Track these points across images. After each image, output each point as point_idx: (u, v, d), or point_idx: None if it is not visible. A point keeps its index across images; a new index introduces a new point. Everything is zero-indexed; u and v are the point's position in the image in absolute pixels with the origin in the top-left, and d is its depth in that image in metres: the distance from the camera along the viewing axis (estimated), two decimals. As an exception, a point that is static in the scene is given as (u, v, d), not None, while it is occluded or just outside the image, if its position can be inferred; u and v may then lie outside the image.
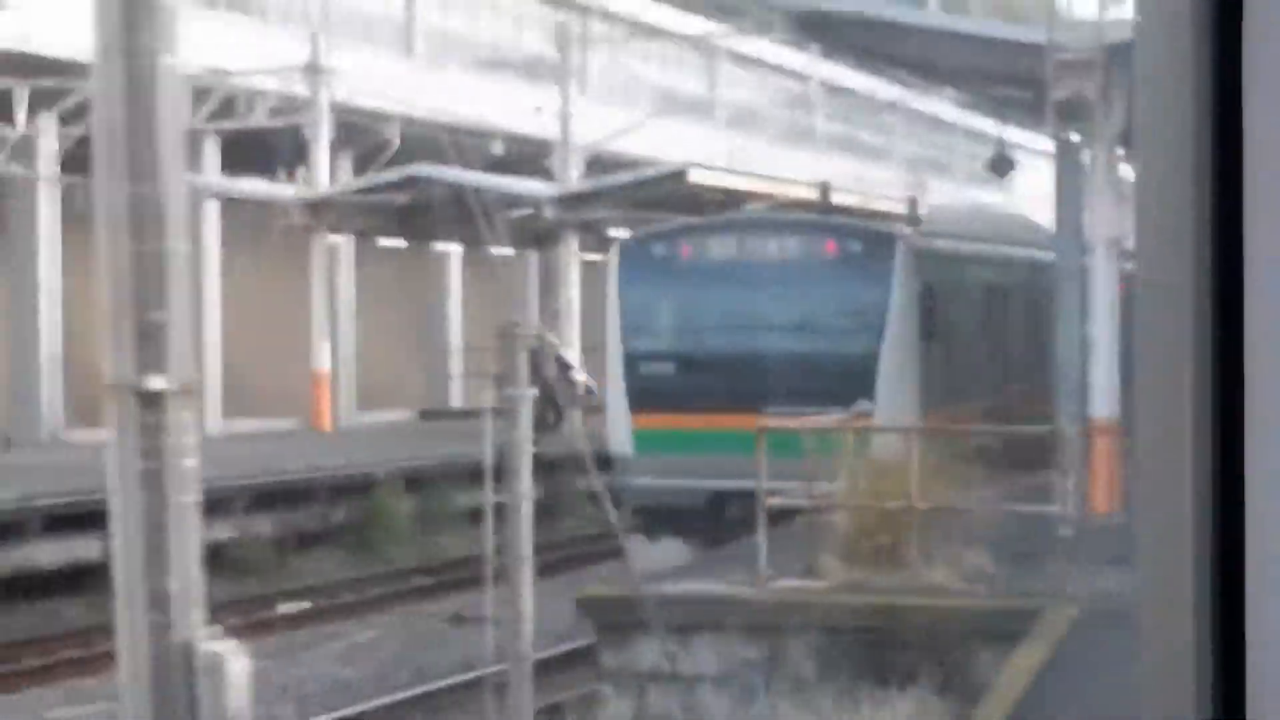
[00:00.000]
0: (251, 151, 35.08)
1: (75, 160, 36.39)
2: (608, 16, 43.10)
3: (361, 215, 32.93)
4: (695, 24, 48.51)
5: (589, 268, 36.70)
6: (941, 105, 64.53)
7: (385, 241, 36.04)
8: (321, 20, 34.94)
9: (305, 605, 21.73)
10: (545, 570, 18.15)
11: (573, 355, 13.37)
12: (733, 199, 28.81)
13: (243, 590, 21.85)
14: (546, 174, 34.03)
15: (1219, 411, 2.08)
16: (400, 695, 16.95)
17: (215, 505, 21.79)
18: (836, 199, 24.38)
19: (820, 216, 21.61)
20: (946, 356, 21.07)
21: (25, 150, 37.53)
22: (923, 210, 23.90)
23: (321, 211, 32.74)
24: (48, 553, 21.81)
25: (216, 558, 19.77)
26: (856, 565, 14.57)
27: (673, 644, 14.19)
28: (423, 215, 31.74)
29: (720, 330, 20.65)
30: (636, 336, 20.88)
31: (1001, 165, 22.65)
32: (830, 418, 17.04)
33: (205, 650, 9.43)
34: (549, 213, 31.35)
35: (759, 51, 51.39)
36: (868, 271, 20.19)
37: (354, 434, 35.04)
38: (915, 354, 20.26)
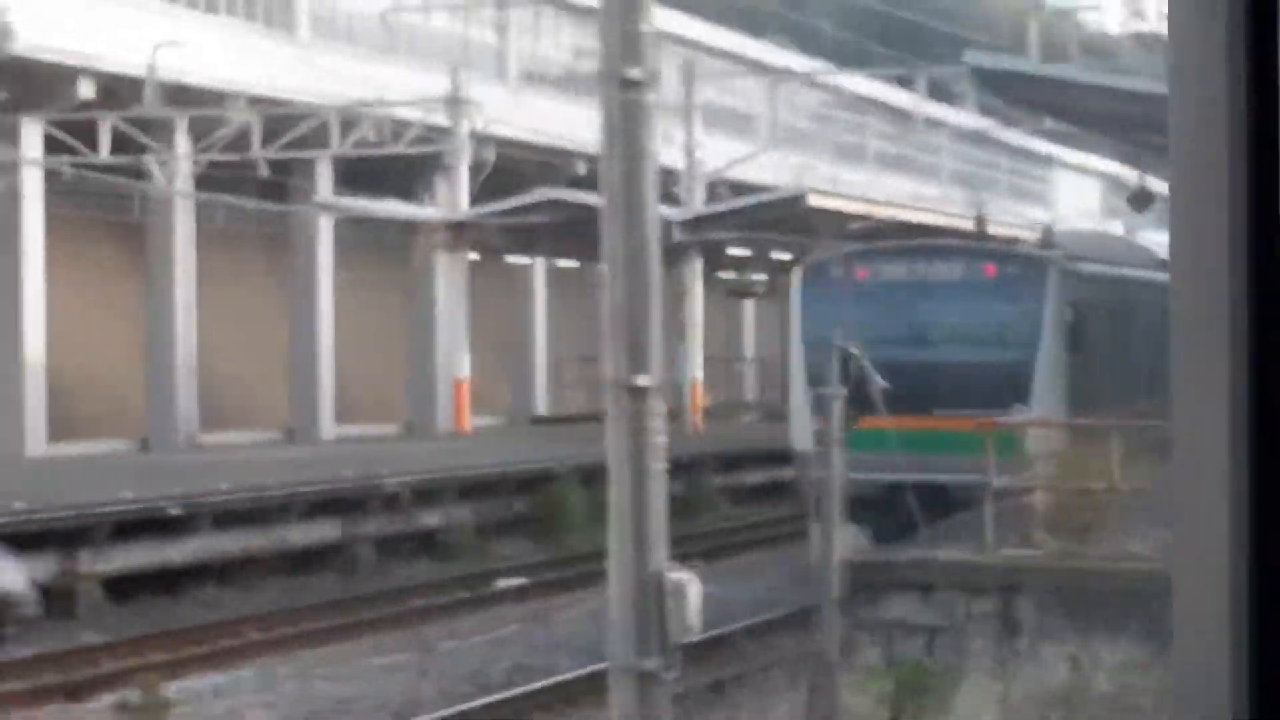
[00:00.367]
0: (393, 176, 38.52)
1: (205, 182, 39.90)
2: (725, 54, 46.93)
3: (497, 235, 36.32)
4: (802, 63, 52.73)
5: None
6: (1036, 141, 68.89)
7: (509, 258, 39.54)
8: (461, 56, 38.40)
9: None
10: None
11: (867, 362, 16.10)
12: (844, 221, 32.29)
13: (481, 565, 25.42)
14: (672, 198, 37.50)
15: (1256, 412, 2.09)
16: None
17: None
18: (955, 224, 27.87)
19: (979, 243, 25.04)
20: (1087, 367, 24.43)
21: (166, 175, 40.91)
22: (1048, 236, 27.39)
23: (461, 231, 36.11)
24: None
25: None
26: (1065, 537, 17.96)
27: (917, 600, 17.58)
28: (556, 235, 35.17)
29: (892, 343, 23.95)
30: (816, 348, 24.15)
31: (1141, 200, 25.84)
32: (1039, 418, 20.48)
33: (672, 577, 12.87)
34: (675, 234, 34.73)
35: (857, 85, 55.50)
36: (1024, 292, 23.54)
37: (486, 435, 38.44)
38: (1064, 364, 23.62)
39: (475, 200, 37.71)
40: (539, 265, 48.56)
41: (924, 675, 15.95)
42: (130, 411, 43.22)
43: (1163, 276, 22.14)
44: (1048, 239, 26.17)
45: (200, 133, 39.05)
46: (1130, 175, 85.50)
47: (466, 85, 36.79)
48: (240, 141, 37.34)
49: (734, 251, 36.51)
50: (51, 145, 38.89)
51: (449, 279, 37.35)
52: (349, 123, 36.01)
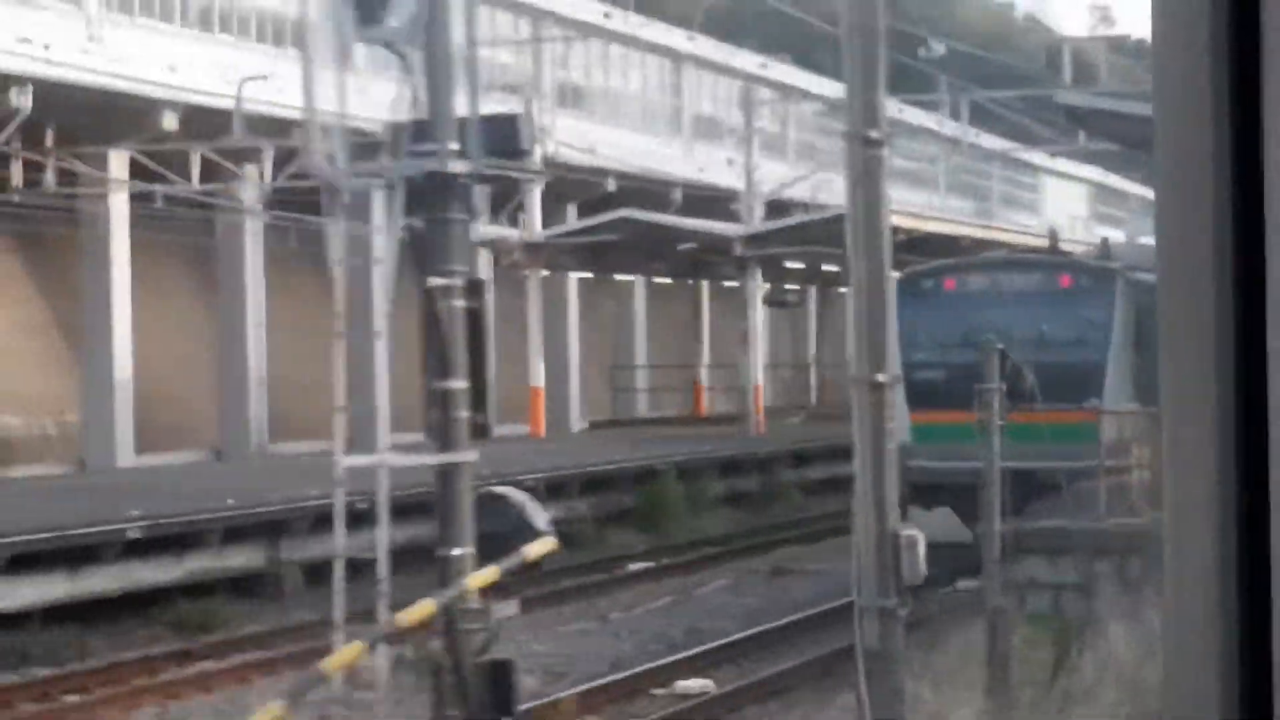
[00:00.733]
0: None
1: (279, 207, 43.25)
2: (781, 87, 50.65)
3: (574, 253, 39.81)
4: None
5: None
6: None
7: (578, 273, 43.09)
8: (535, 86, 41.88)
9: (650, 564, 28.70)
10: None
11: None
12: (898, 236, 35.91)
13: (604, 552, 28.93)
14: (733, 216, 41.06)
15: (1244, 410, 2.13)
16: (805, 613, 23.92)
17: (553, 489, 28.89)
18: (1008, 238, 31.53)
19: (1053, 255, 28.75)
20: (1148, 364, 28.08)
21: (236, 199, 44.21)
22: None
23: (539, 250, 39.58)
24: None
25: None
26: (1158, 508, 21.65)
27: (1044, 562, 21.20)
28: (628, 252, 38.65)
29: (977, 346, 27.53)
30: (912, 350, 27.75)
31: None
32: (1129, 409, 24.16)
33: (905, 533, 16.45)
34: (737, 249, 38.29)
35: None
36: (1096, 299, 27.11)
37: (562, 438, 41.90)
38: (1131, 363, 27.20)
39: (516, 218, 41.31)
40: (572, 279, 52.28)
41: (1072, 622, 19.53)
42: (202, 424, 46.48)
43: None
44: (1106, 251, 29.86)
45: (280, 160, 42.33)
46: (1116, 182, 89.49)
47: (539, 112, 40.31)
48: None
49: (790, 265, 40.18)
50: (135, 172, 42.14)
51: (525, 295, 40.90)
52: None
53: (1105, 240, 30.79)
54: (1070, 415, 24.10)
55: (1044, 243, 29.63)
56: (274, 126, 42.08)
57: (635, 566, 28.35)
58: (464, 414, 12.57)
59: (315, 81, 12.62)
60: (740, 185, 40.98)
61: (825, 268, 40.90)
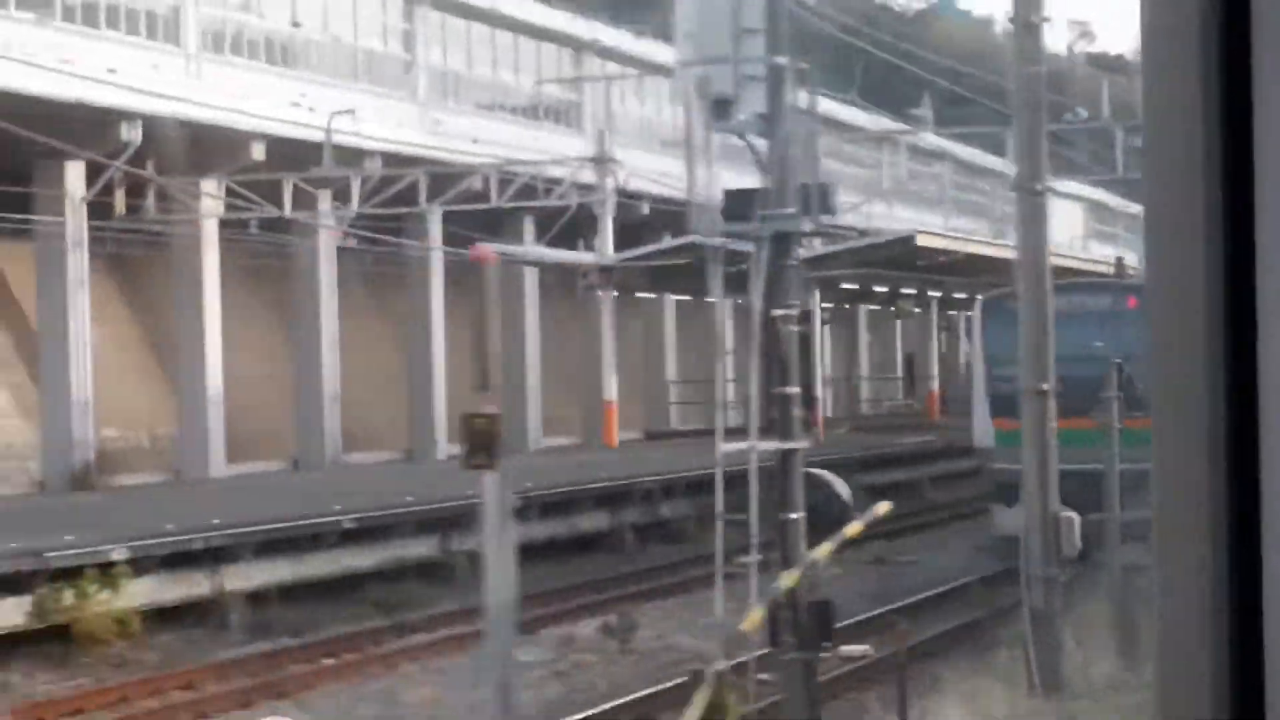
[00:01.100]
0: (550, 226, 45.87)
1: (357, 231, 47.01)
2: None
3: (645, 275, 43.68)
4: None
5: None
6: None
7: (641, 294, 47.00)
8: (607, 122, 45.82)
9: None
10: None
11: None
12: (949, 258, 39.88)
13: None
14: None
15: (1233, 415, 2.20)
16: (920, 596, 27.78)
17: (666, 490, 32.80)
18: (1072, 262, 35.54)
19: (1119, 279, 32.78)
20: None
21: (312, 227, 47.95)
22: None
23: (612, 272, 43.45)
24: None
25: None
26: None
27: (1142, 548, 25.13)
28: (696, 274, 42.43)
29: (1056, 360, 31.42)
30: (996, 364, 31.60)
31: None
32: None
33: (1063, 516, 20.40)
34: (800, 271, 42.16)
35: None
36: (1158, 318, 30.97)
37: (630, 448, 45.77)
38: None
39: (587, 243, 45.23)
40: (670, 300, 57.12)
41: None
42: (280, 436, 50.11)
43: None
44: (1121, 270, 33.93)
45: (350, 187, 46.10)
46: (1111, 200, 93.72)
47: (610, 147, 44.22)
48: (407, 194, 44.50)
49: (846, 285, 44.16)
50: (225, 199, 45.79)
51: (599, 314, 44.79)
52: (505, 181, 43.33)
53: (1120, 260, 34.89)
54: (1134, 421, 28.09)
55: (1110, 268, 33.71)
56: (356, 156, 45.84)
57: (746, 560, 32.14)
58: (797, 411, 16.44)
59: (695, 167, 16.27)
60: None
61: (876, 288, 44.93)
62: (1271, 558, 2.16)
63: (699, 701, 13.15)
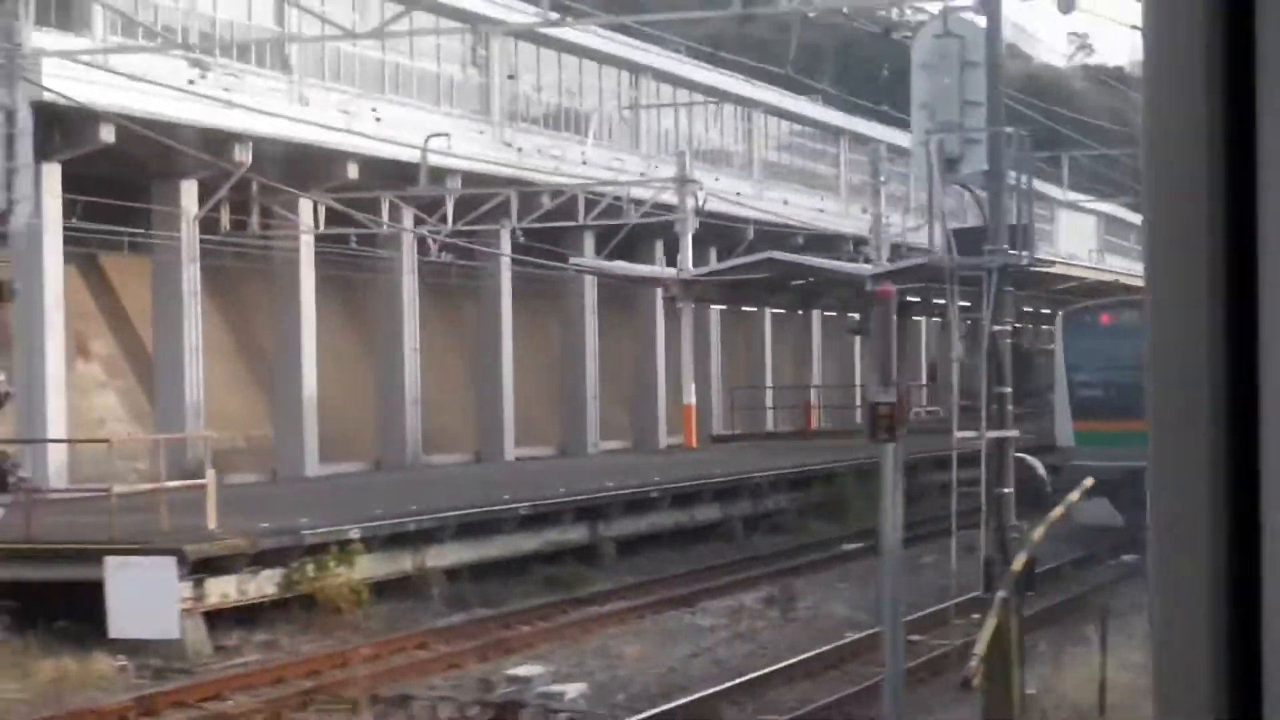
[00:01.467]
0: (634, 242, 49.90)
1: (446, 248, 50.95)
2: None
3: (724, 288, 47.67)
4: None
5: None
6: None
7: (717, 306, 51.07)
8: (689, 146, 49.91)
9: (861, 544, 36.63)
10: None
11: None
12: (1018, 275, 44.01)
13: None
14: (863, 257, 49.25)
15: (1233, 422, 2.23)
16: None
17: (762, 487, 36.87)
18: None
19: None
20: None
21: (395, 241, 51.80)
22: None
23: (692, 286, 47.43)
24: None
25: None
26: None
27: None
28: (773, 288, 46.48)
29: (1127, 368, 35.45)
30: (1075, 372, 35.62)
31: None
32: None
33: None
34: (869, 285, 46.14)
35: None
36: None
37: (702, 449, 49.78)
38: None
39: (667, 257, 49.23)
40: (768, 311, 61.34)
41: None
42: (363, 438, 53.89)
43: None
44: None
45: (441, 204, 49.99)
46: (1126, 214, 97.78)
47: (690, 168, 48.27)
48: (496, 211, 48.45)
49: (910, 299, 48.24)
50: (318, 215, 49.61)
51: (681, 324, 48.84)
52: (592, 202, 47.36)
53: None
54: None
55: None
56: (440, 176, 49.68)
57: (847, 547, 36.21)
58: (1010, 407, 20.45)
59: (935, 209, 20.31)
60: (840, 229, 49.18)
61: (936, 300, 48.84)
62: (1270, 561, 2.18)
63: (989, 624, 16.86)
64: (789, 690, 22.26)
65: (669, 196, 48.96)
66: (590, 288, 56.62)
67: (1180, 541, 2.23)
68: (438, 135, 48.01)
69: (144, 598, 23.69)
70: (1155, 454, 2.25)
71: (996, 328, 20.68)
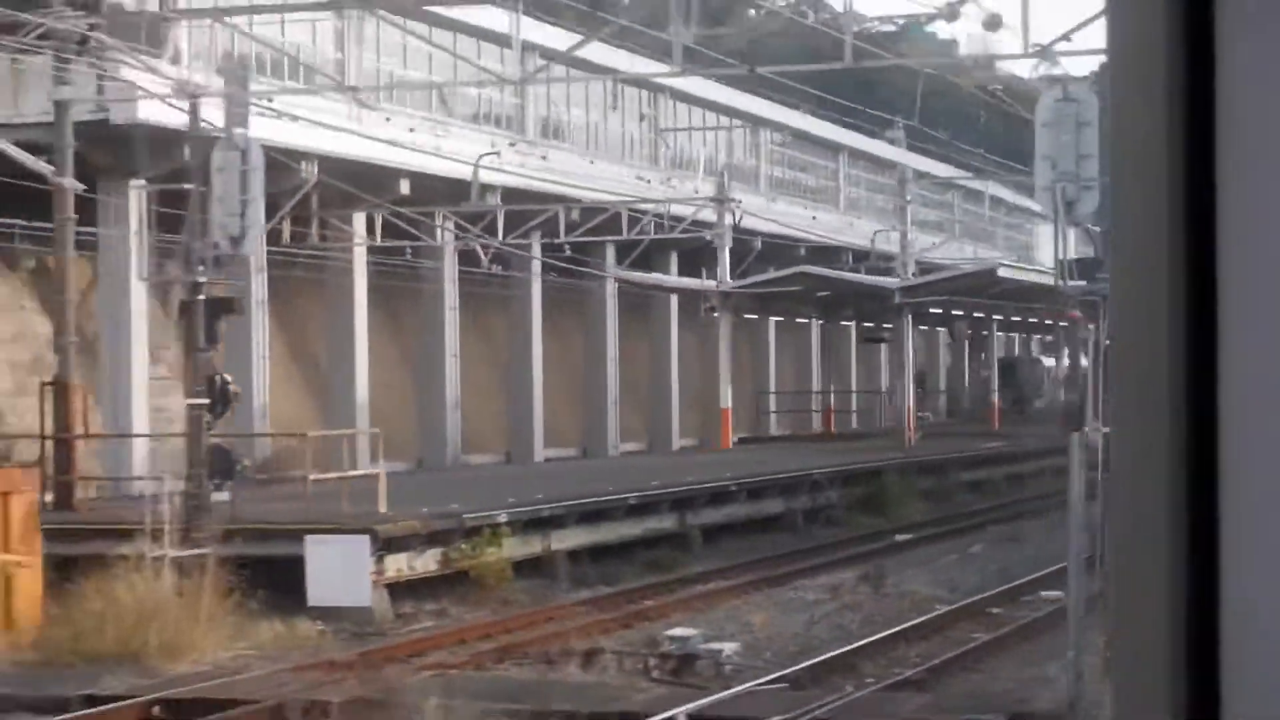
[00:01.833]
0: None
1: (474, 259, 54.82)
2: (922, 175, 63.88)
3: (758, 300, 51.76)
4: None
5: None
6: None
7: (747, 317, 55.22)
8: (726, 166, 54.11)
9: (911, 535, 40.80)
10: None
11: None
12: (1027, 288, 48.23)
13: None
14: (889, 271, 53.50)
15: (1192, 421, 2.26)
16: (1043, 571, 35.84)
17: (816, 484, 41.06)
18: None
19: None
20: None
21: (437, 253, 55.64)
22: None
23: (730, 297, 51.51)
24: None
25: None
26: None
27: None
28: (805, 300, 50.59)
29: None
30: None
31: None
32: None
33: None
34: (897, 298, 50.37)
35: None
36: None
37: (738, 449, 53.91)
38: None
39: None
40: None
41: None
42: (406, 439, 57.64)
43: None
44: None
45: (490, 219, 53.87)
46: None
47: (727, 188, 52.38)
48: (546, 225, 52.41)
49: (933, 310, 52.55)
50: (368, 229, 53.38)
51: (719, 333, 52.97)
52: (634, 218, 51.42)
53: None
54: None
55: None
56: (483, 191, 53.54)
57: (900, 537, 40.36)
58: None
59: (1058, 240, 24.48)
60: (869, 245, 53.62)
61: (955, 311, 53.28)
62: (1229, 563, 2.22)
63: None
64: (909, 648, 26.37)
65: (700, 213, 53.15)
66: (611, 298, 60.55)
67: (1140, 539, 2.27)
68: (489, 154, 51.78)
69: (339, 571, 27.61)
70: (1115, 453, 2.31)
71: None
